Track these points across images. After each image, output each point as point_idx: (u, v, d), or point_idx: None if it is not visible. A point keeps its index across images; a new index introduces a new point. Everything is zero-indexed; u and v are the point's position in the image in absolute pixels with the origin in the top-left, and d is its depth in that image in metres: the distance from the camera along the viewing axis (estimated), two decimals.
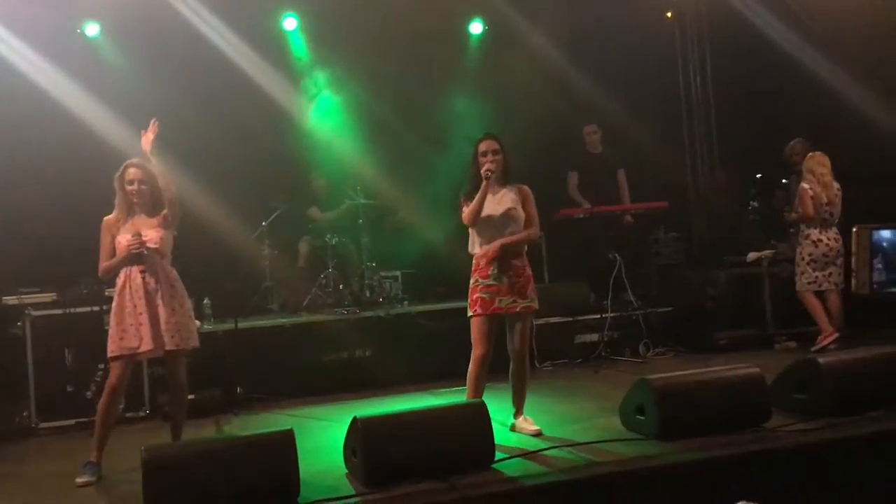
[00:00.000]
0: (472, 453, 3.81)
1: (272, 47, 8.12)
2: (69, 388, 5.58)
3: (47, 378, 5.57)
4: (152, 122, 4.34)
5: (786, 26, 7.68)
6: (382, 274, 7.76)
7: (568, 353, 6.88)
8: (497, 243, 4.38)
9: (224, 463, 3.54)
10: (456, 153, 7.13)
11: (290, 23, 8.18)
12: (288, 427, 3.70)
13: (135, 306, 4.22)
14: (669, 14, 9.09)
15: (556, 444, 4.15)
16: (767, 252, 7.20)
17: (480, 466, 3.79)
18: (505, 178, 4.47)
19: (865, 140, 7.09)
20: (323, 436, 4.76)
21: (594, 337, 6.94)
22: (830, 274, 6.52)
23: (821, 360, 4.42)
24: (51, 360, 5.59)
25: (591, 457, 3.91)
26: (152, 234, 4.27)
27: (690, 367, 4.52)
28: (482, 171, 4.35)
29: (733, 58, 8.49)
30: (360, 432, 3.72)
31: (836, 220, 6.59)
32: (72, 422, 5.49)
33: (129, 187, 4.30)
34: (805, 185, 6.54)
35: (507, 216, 4.40)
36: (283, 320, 6.79)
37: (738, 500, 3.48)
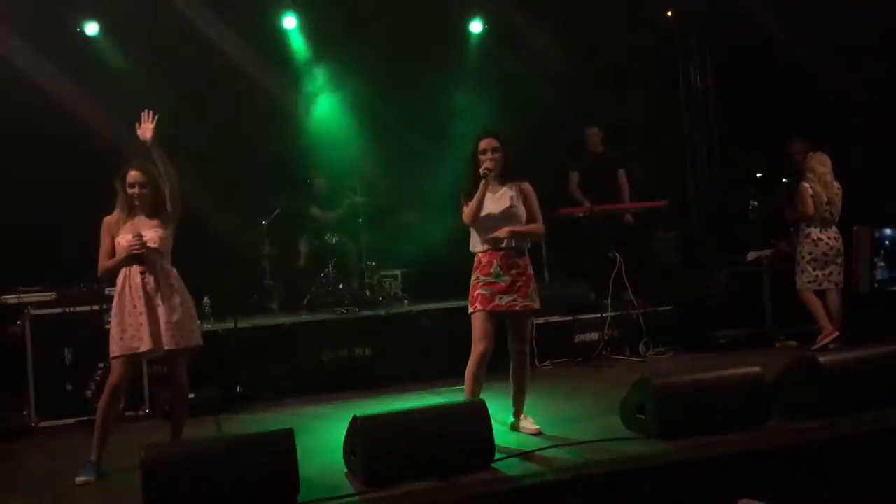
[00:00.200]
0: (472, 452, 3.81)
1: (272, 46, 8.13)
2: (69, 387, 5.57)
3: (47, 377, 5.57)
4: (146, 112, 4.30)
5: (785, 26, 7.67)
6: (382, 273, 7.77)
7: (568, 353, 6.88)
8: (506, 229, 4.35)
9: (224, 462, 3.53)
10: (456, 152, 7.13)
11: (289, 21, 8.19)
12: (288, 426, 3.70)
13: (135, 306, 4.21)
14: (669, 13, 9.08)
15: (557, 444, 4.15)
16: (767, 251, 7.21)
17: (480, 465, 3.78)
18: (505, 175, 4.45)
19: (866, 139, 7.09)
20: (323, 435, 4.76)
21: (594, 336, 6.94)
22: (830, 273, 6.53)
23: (821, 358, 4.41)
24: (50, 359, 5.58)
25: (592, 456, 3.91)
26: (151, 234, 4.27)
27: (690, 366, 4.53)
28: (481, 170, 4.34)
29: (733, 57, 8.49)
30: (360, 431, 3.71)
31: (837, 219, 6.59)
32: (71, 420, 5.49)
33: (130, 189, 4.29)
34: (805, 184, 6.54)
35: (508, 214, 4.38)
36: (284, 319, 6.79)
37: (738, 499, 3.48)
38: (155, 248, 4.26)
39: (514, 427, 4.55)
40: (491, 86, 8.41)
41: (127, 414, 5.54)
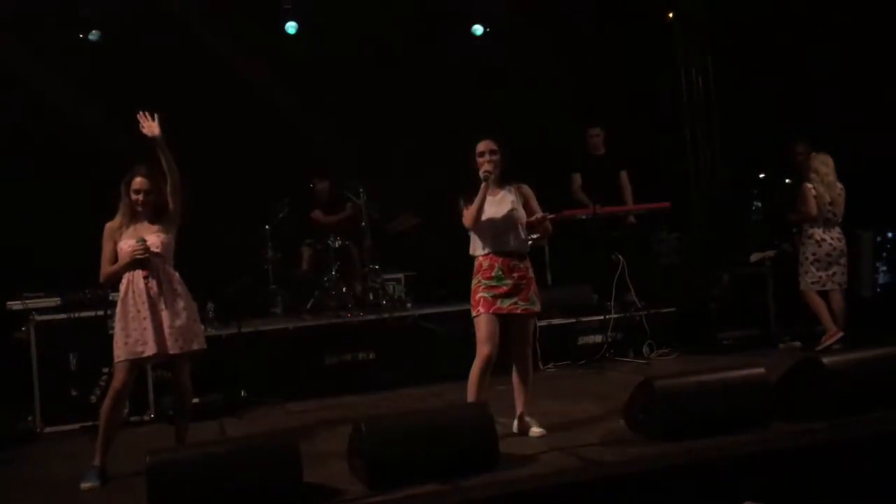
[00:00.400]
0: (476, 455, 3.81)
1: (274, 50, 8.15)
2: (73, 393, 5.59)
3: (52, 382, 5.58)
4: (141, 113, 4.29)
5: (787, 26, 7.67)
6: (385, 276, 7.76)
7: (571, 355, 6.88)
8: (544, 216, 4.43)
9: (228, 466, 3.54)
10: (459, 155, 7.14)
11: (291, 25, 8.22)
12: (291, 430, 3.71)
13: (138, 311, 4.22)
14: (671, 14, 9.08)
15: (560, 446, 4.14)
16: (770, 252, 7.20)
17: (484, 468, 3.78)
18: (504, 178, 4.45)
19: (867, 140, 7.08)
20: (326, 438, 4.76)
21: (598, 338, 6.94)
22: (834, 273, 6.52)
23: (825, 359, 4.40)
24: (55, 365, 5.59)
25: (595, 458, 3.91)
26: (154, 239, 4.28)
27: (694, 367, 4.51)
28: (480, 173, 4.33)
29: (735, 58, 8.49)
30: (364, 434, 3.72)
31: (839, 220, 6.58)
32: (76, 426, 5.50)
33: (135, 195, 4.30)
34: (808, 185, 6.54)
35: (509, 217, 4.38)
36: (287, 323, 6.79)
37: (743, 501, 3.48)
38: (158, 253, 4.28)
39: (518, 429, 4.54)
40: (494, 88, 8.42)
41: (131, 419, 5.55)
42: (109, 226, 4.34)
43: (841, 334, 6.32)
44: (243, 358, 6.18)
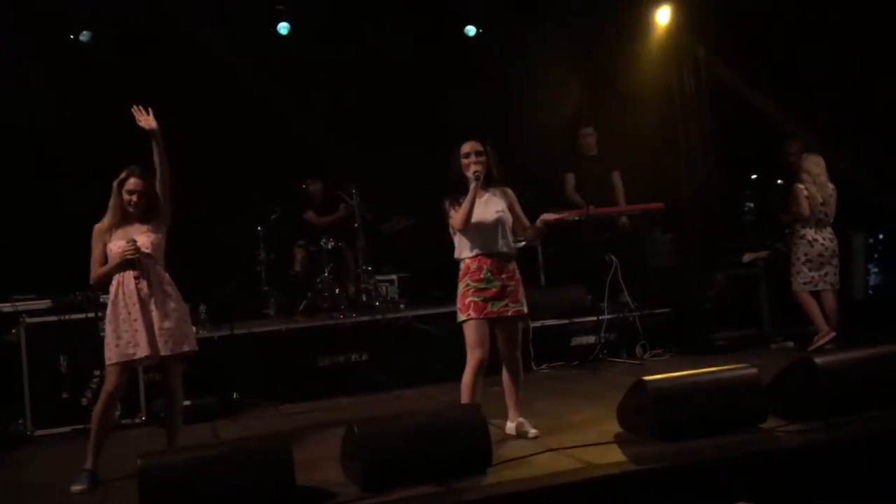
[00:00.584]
0: (469, 457, 3.80)
1: (267, 51, 8.13)
2: (64, 395, 5.56)
3: (42, 385, 5.55)
4: (136, 108, 4.28)
5: (780, 26, 7.70)
6: (379, 278, 7.75)
7: (565, 356, 6.89)
8: (552, 216, 4.40)
9: (220, 469, 3.52)
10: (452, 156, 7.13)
11: (283, 26, 8.21)
12: (284, 432, 3.69)
13: (129, 313, 4.20)
14: (664, 15, 9.09)
15: (553, 447, 4.14)
16: (763, 253, 7.22)
17: (477, 470, 3.77)
18: (488, 180, 4.41)
19: (859, 142, 7.11)
20: (319, 440, 4.75)
21: (591, 339, 6.94)
22: (826, 274, 6.54)
23: (818, 359, 4.40)
24: (46, 367, 5.56)
25: (589, 459, 3.90)
26: (144, 240, 4.26)
27: (688, 368, 4.51)
28: (471, 173, 4.29)
29: (728, 59, 8.51)
30: (357, 436, 3.70)
31: (831, 220, 6.61)
32: (67, 429, 5.47)
33: (127, 196, 4.28)
34: (800, 185, 6.56)
35: (499, 220, 4.37)
36: (280, 325, 6.77)
37: (736, 501, 3.48)
38: (148, 254, 4.25)
39: (511, 431, 4.53)
40: (487, 88, 8.42)
41: (122, 422, 5.52)
42: (98, 227, 4.32)
43: (833, 334, 6.34)
44: (236, 360, 6.16)
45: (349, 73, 8.28)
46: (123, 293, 4.22)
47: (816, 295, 6.54)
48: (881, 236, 6.89)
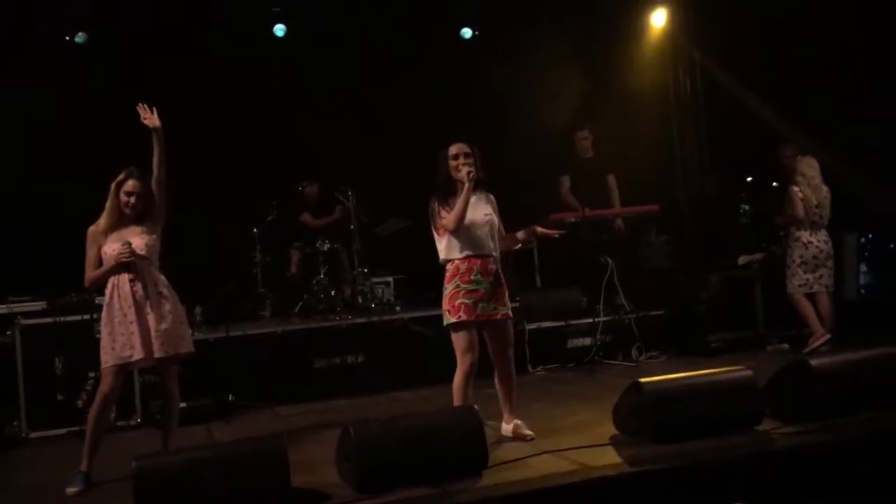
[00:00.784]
0: (465, 459, 3.80)
1: (263, 53, 8.13)
2: (59, 397, 5.54)
3: (37, 387, 5.54)
4: (141, 105, 4.29)
5: (775, 29, 7.71)
6: (374, 279, 7.75)
7: (560, 358, 6.89)
8: (541, 230, 4.49)
9: (216, 471, 3.51)
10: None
11: (279, 28, 8.21)
12: (279, 434, 3.69)
13: (125, 315, 4.19)
14: (660, 17, 9.11)
15: (549, 449, 4.13)
16: (758, 255, 7.23)
17: (473, 472, 3.77)
18: (476, 183, 4.37)
19: (854, 144, 7.13)
20: (315, 442, 4.75)
21: (587, 341, 6.95)
22: (821, 276, 6.56)
23: (813, 361, 4.41)
24: (41, 369, 5.55)
25: (585, 461, 3.90)
26: (138, 242, 4.25)
27: (683, 370, 4.52)
28: (465, 174, 4.27)
29: (723, 62, 8.53)
30: (353, 438, 3.70)
31: (826, 223, 6.63)
32: (62, 431, 5.45)
33: (125, 197, 4.27)
34: (795, 188, 6.58)
35: (489, 223, 4.39)
36: (275, 327, 6.77)
37: (734, 502, 3.48)
38: (143, 256, 4.25)
39: (507, 433, 4.52)
40: (483, 90, 8.42)
41: (118, 424, 5.51)
42: (93, 230, 4.31)
43: (828, 336, 6.36)
44: (231, 361, 6.15)
45: (345, 75, 8.27)
46: (119, 296, 4.21)
47: (811, 297, 6.56)
48: (871, 236, 6.91)
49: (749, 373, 4.32)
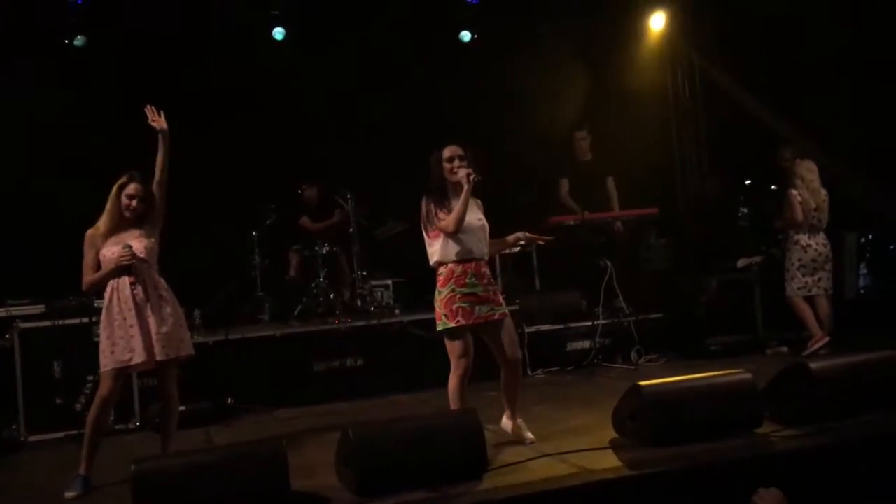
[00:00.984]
0: (465, 462, 3.80)
1: (262, 56, 8.13)
2: (58, 401, 5.54)
3: (36, 390, 5.54)
4: (149, 107, 4.31)
5: (774, 32, 7.73)
6: (374, 283, 7.75)
7: (560, 361, 6.89)
8: (530, 235, 4.48)
9: (215, 475, 3.51)
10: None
11: (278, 31, 8.21)
12: (279, 437, 3.68)
13: (125, 318, 4.19)
14: (658, 20, 9.12)
15: (549, 452, 4.13)
16: (757, 258, 7.23)
17: (473, 475, 3.77)
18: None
19: (854, 145, 7.14)
20: (314, 445, 4.74)
21: (586, 344, 6.95)
22: (819, 279, 6.56)
23: (812, 364, 4.41)
24: (40, 373, 5.55)
25: (584, 464, 3.90)
26: (138, 244, 4.24)
27: (682, 373, 4.51)
28: (465, 176, 4.25)
29: (722, 64, 8.54)
30: (352, 442, 3.70)
31: (824, 226, 6.63)
32: (61, 434, 5.46)
33: (127, 200, 4.27)
34: (793, 191, 6.58)
35: (482, 227, 4.40)
36: (274, 330, 6.76)
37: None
38: (143, 259, 4.24)
39: (507, 428, 4.50)
40: (482, 93, 8.43)
41: (116, 427, 5.51)
42: (90, 233, 4.30)
43: (827, 339, 6.36)
44: (230, 365, 6.15)
45: (344, 78, 8.28)
46: (119, 299, 4.21)
47: (810, 300, 6.56)
48: (870, 236, 6.91)
49: (748, 376, 4.32)
